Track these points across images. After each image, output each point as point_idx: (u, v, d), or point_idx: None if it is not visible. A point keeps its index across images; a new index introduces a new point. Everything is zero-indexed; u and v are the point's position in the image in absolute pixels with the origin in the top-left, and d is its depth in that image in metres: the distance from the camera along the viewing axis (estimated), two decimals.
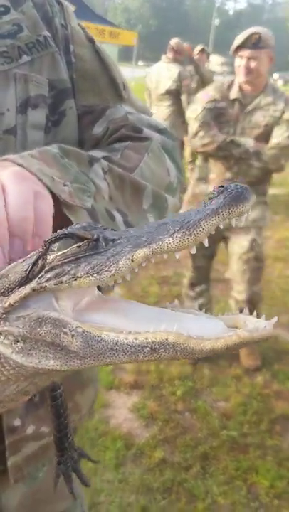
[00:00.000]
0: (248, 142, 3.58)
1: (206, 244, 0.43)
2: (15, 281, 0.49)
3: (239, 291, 3.90)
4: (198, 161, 4.16)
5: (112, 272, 0.45)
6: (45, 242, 0.49)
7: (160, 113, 8.66)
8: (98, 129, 0.99)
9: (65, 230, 0.49)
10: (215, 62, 10.37)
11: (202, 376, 3.88)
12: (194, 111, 3.89)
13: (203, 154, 3.94)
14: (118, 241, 0.47)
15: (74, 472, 0.92)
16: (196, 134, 3.79)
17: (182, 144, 9.27)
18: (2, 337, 0.49)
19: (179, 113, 8.56)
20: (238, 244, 3.81)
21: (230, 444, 3.19)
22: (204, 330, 0.43)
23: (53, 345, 0.46)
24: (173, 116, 8.58)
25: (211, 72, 9.27)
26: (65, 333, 0.46)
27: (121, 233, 0.49)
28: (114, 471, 2.91)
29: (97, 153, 0.90)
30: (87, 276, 0.46)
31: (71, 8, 1.04)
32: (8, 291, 0.49)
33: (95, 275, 0.45)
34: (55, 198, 0.69)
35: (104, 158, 0.89)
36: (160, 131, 1.07)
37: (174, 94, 8.32)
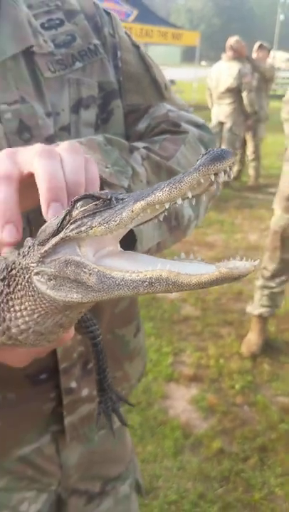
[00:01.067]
0: None
1: (190, 196, 0.53)
2: (49, 233, 0.62)
3: None
4: None
5: (118, 222, 0.57)
6: (71, 201, 0.61)
7: (221, 111, 8.67)
8: (142, 126, 1.10)
9: (86, 193, 0.61)
10: (279, 59, 10.25)
11: (262, 371, 3.89)
12: (288, 113, 3.96)
13: None
14: (125, 199, 0.59)
15: (113, 411, 1.03)
16: None
17: (245, 142, 9.22)
18: (39, 276, 0.62)
19: (240, 110, 8.54)
20: None
21: (288, 437, 3.20)
22: (196, 270, 0.53)
23: (76, 282, 0.59)
24: (234, 114, 8.56)
25: (272, 69, 9.17)
26: (85, 272, 0.58)
27: (130, 194, 0.61)
28: (172, 459, 3.01)
29: (138, 144, 1.01)
30: (100, 226, 0.58)
31: (117, 17, 1.16)
32: (45, 241, 0.62)
33: (105, 224, 0.57)
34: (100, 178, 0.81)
35: (144, 148, 0.99)
36: (198, 126, 1.16)
37: (235, 92, 8.31)
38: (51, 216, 0.65)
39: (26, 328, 0.67)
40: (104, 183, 0.82)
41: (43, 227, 0.64)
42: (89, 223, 0.58)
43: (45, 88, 0.98)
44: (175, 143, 1.04)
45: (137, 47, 1.14)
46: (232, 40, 8.40)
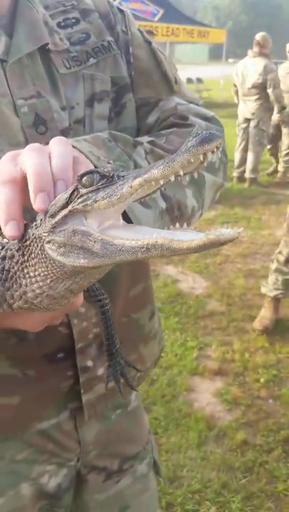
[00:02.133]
0: None
1: (182, 173, 0.60)
2: (59, 206, 0.70)
3: None
4: None
5: (118, 196, 0.64)
6: (77, 176, 0.69)
7: (247, 107, 8.63)
8: (151, 119, 1.15)
9: (91, 169, 0.69)
10: None
11: (287, 365, 3.90)
12: None
13: None
14: (126, 176, 0.66)
15: (121, 376, 1.10)
16: None
17: (274, 137, 9.12)
18: (50, 244, 0.70)
19: (266, 107, 8.48)
20: None
21: None
22: (188, 237, 0.60)
23: (82, 249, 0.67)
24: (261, 110, 8.52)
25: None
26: (90, 240, 0.66)
27: (130, 172, 0.68)
28: (196, 450, 3.05)
29: (143, 139, 1.06)
30: (103, 200, 0.66)
31: (131, 15, 1.22)
32: (55, 214, 0.70)
33: (107, 199, 0.65)
34: None
35: (149, 142, 1.05)
36: (207, 119, 1.20)
37: (261, 88, 8.26)
38: (38, 205, 0.72)
39: (41, 293, 0.75)
40: None
41: (53, 201, 0.72)
42: (93, 197, 0.66)
43: (60, 83, 1.04)
44: (181, 136, 1.09)
45: (148, 43, 1.19)
46: (258, 36, 8.36)
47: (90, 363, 1.13)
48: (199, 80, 22.34)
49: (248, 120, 8.67)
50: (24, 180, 0.75)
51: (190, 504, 2.69)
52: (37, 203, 0.72)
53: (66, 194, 0.70)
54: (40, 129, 0.99)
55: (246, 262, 5.88)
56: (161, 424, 3.23)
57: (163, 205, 0.97)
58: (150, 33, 11.42)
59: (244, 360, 3.96)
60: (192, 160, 0.58)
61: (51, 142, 0.80)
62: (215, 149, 0.58)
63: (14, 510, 1.15)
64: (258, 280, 5.36)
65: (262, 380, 3.71)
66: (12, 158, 0.78)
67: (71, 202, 0.68)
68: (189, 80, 21.81)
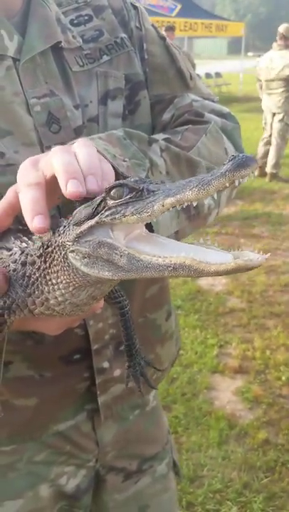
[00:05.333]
0: None
1: (215, 197, 0.59)
2: (85, 216, 0.69)
3: None
4: None
5: (149, 213, 0.64)
6: (106, 188, 0.68)
7: (273, 101, 8.52)
8: (166, 116, 1.14)
9: (120, 181, 0.68)
10: None
11: None
12: None
13: None
14: (156, 192, 0.65)
15: (141, 376, 1.08)
16: None
17: None
18: (74, 254, 0.70)
19: None
20: None
21: None
22: (215, 259, 0.60)
23: (108, 262, 0.66)
24: (286, 104, 8.41)
25: None
26: (116, 253, 0.65)
27: (159, 186, 0.67)
28: (217, 449, 3.03)
29: (159, 136, 1.04)
30: (132, 215, 0.65)
31: (145, 10, 1.20)
32: (81, 223, 0.70)
33: (137, 215, 0.64)
34: (116, 171, 0.85)
35: (165, 139, 1.03)
36: (223, 115, 1.18)
37: (287, 81, 8.16)
38: (71, 189, 0.70)
39: (63, 300, 0.75)
40: (121, 177, 0.86)
41: (78, 209, 0.71)
42: (122, 211, 0.66)
43: (73, 81, 1.03)
44: (196, 133, 1.07)
45: (163, 38, 1.18)
46: (282, 28, 8.23)
47: (106, 364, 1.12)
48: (218, 75, 22.13)
49: (273, 114, 8.56)
50: (48, 184, 0.75)
51: (211, 504, 2.67)
52: (69, 187, 0.70)
53: (93, 204, 0.69)
54: (53, 128, 0.98)
55: (267, 258, 5.79)
56: (182, 423, 3.21)
57: None
58: (171, 28, 11.33)
59: (265, 358, 3.91)
60: (227, 184, 0.58)
61: (75, 144, 0.79)
62: (250, 174, 0.58)
63: (33, 511, 1.15)
64: (279, 276, 5.30)
65: (283, 378, 3.66)
66: (33, 163, 0.78)
67: (98, 213, 0.68)
68: (208, 75, 21.63)
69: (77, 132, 1.00)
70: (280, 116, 8.44)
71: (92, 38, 1.08)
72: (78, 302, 0.75)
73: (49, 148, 0.89)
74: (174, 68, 1.16)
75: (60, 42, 1.02)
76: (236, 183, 0.59)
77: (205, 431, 3.18)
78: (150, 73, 1.13)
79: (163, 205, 0.62)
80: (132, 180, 0.69)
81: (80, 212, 0.70)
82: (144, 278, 0.64)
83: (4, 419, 0.95)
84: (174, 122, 1.13)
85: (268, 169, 8.82)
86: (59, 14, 1.06)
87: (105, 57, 1.08)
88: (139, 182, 0.67)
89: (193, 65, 13.70)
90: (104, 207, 0.67)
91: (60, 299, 0.75)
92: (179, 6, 19.44)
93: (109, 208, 0.66)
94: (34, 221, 0.72)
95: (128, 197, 0.66)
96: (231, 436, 3.14)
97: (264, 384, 3.63)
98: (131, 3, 1.17)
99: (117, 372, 1.14)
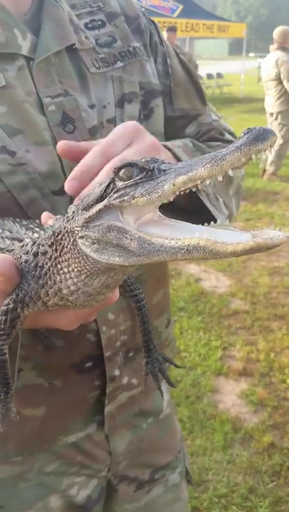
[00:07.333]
0: None
1: (231, 174, 0.54)
2: (93, 199, 0.65)
3: None
4: None
5: (159, 194, 0.59)
6: (114, 169, 0.64)
7: (269, 101, 8.64)
8: (190, 130, 1.19)
9: (130, 161, 0.64)
10: None
11: None
12: None
13: None
14: (168, 171, 0.61)
15: (160, 372, 1.03)
16: None
17: None
18: (84, 240, 0.66)
19: (284, 100, 8.42)
20: None
21: None
22: (232, 238, 0.55)
23: (118, 246, 0.62)
24: (278, 104, 8.49)
25: None
26: (126, 237, 0.61)
27: (171, 165, 0.62)
28: (222, 453, 3.00)
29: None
30: (142, 197, 0.60)
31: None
32: (89, 207, 0.66)
33: (147, 196, 0.60)
34: None
35: (194, 144, 1.08)
36: (232, 134, 1.27)
37: (277, 81, 8.29)
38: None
39: (76, 289, 0.71)
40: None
41: (87, 193, 0.68)
42: (131, 193, 0.61)
43: (90, 82, 1.02)
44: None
45: (177, 53, 1.21)
46: (274, 33, 8.40)
47: (117, 372, 1.09)
48: (219, 75, 22.08)
49: (271, 114, 8.67)
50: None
51: (216, 509, 2.64)
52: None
53: (102, 186, 0.65)
54: (67, 128, 0.97)
55: (270, 260, 5.78)
56: (186, 426, 3.18)
57: None
58: (173, 29, 11.34)
59: (270, 360, 3.88)
60: (243, 159, 0.53)
61: (143, 144, 0.85)
62: (269, 148, 0.53)
63: None
64: (283, 278, 5.27)
65: (288, 380, 3.63)
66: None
67: (107, 195, 0.63)
68: (209, 76, 21.60)
69: (92, 132, 0.98)
70: (274, 116, 8.58)
71: (106, 44, 1.08)
72: (91, 291, 0.71)
73: None
74: (191, 83, 1.20)
75: (74, 44, 1.01)
76: (253, 157, 0.53)
77: (209, 434, 3.15)
78: (175, 87, 1.16)
79: (174, 185, 0.57)
80: (143, 160, 0.64)
81: (89, 196, 0.66)
82: (157, 262, 0.60)
83: (11, 430, 0.91)
84: (199, 138, 1.19)
85: (266, 166, 8.90)
86: (71, 15, 1.05)
87: (119, 63, 1.08)
88: (150, 162, 0.63)
89: (196, 67, 13.72)
90: (112, 189, 0.63)
91: (72, 288, 0.71)
92: (180, 7, 19.40)
93: (118, 190, 0.62)
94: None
95: (138, 177, 0.61)
96: (236, 439, 3.11)
97: (269, 387, 3.60)
98: (150, 19, 1.18)
99: (125, 380, 1.12)
